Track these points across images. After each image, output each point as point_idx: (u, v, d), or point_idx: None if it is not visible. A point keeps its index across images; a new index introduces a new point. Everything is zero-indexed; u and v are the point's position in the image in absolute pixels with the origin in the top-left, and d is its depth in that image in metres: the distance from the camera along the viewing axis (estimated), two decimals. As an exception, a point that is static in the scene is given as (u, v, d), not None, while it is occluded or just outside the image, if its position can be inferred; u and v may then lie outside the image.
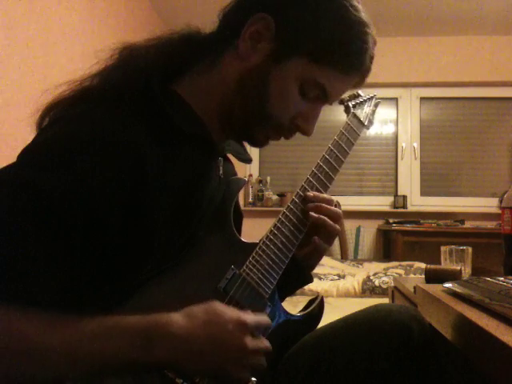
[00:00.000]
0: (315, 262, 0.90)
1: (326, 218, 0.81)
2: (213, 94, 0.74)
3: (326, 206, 0.82)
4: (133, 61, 0.72)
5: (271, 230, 0.79)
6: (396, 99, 4.28)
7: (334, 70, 0.73)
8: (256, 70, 0.72)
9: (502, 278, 0.85)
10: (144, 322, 0.59)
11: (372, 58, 0.76)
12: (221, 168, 0.78)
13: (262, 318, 0.69)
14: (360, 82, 0.79)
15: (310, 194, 0.81)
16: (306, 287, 2.35)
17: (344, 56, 0.73)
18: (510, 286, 0.77)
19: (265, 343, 0.68)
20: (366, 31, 0.73)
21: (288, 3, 0.71)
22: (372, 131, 4.26)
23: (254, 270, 0.75)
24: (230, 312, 0.64)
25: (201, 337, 0.61)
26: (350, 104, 0.92)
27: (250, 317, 0.66)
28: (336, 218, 0.83)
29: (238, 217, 0.83)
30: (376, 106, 0.98)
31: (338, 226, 0.83)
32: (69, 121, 0.64)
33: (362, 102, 0.94)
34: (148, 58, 0.73)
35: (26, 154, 0.62)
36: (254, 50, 0.72)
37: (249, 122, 0.74)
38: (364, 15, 0.73)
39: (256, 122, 0.74)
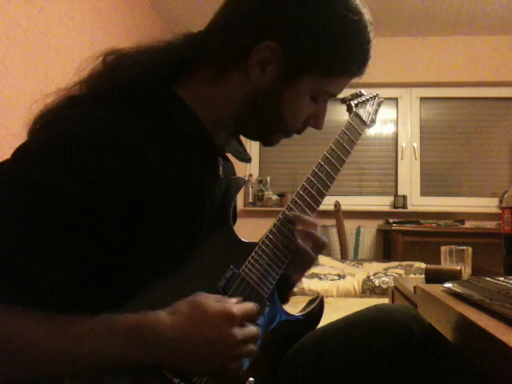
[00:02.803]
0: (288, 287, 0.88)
1: (307, 249, 0.81)
2: (218, 104, 0.74)
3: (313, 233, 0.82)
4: (126, 65, 0.72)
5: (271, 230, 0.79)
6: (396, 99, 4.28)
7: (342, 77, 0.75)
8: (268, 93, 0.73)
9: (502, 278, 0.85)
10: (135, 322, 0.59)
11: (371, 47, 0.76)
12: (220, 168, 0.78)
13: (249, 306, 0.68)
14: (362, 73, 0.79)
15: (291, 214, 0.81)
16: (306, 287, 2.36)
17: (350, 64, 0.75)
18: (509, 285, 0.77)
19: (253, 330, 0.67)
20: (368, 32, 0.74)
21: (292, 28, 0.71)
22: (372, 131, 4.27)
23: (254, 269, 0.75)
24: (215, 305, 0.64)
25: (188, 334, 0.61)
26: (353, 103, 0.92)
27: (235, 306, 0.65)
28: (320, 247, 0.83)
29: (233, 217, 0.83)
30: (379, 104, 0.98)
31: (315, 257, 0.83)
32: (70, 119, 0.64)
33: (364, 101, 0.94)
34: (149, 58, 0.72)
35: (27, 152, 0.62)
36: (264, 73, 0.72)
37: (262, 131, 0.77)
38: (364, 12, 0.73)
39: (271, 132, 0.77)
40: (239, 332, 0.64)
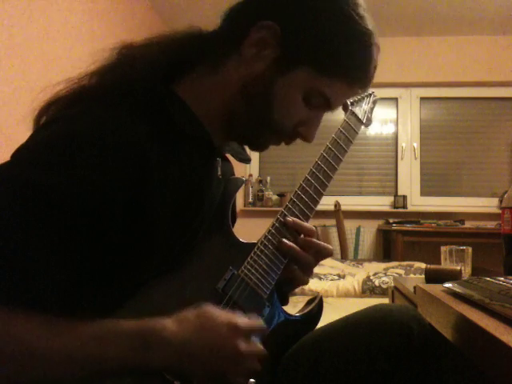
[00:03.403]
0: (290, 289, 0.87)
1: (307, 258, 0.80)
2: (214, 97, 0.74)
3: (317, 242, 0.80)
4: (133, 60, 0.72)
5: (269, 231, 0.78)
6: (396, 99, 4.28)
7: (338, 81, 0.73)
8: (261, 78, 0.71)
9: (502, 278, 0.85)
10: (138, 328, 0.59)
11: (375, 67, 0.76)
12: (219, 168, 0.78)
13: (256, 322, 0.68)
14: (364, 90, 0.79)
15: (290, 220, 0.79)
16: (306, 287, 2.36)
17: (349, 68, 0.73)
18: (509, 285, 0.77)
19: (258, 347, 0.67)
20: (371, 42, 0.73)
21: (294, 13, 0.71)
22: (372, 131, 4.27)
23: (253, 270, 0.75)
24: (222, 315, 0.64)
25: (193, 342, 0.61)
26: (348, 101, 0.91)
27: (242, 320, 0.65)
28: (324, 254, 0.82)
29: (233, 218, 0.83)
30: (374, 103, 0.97)
31: (314, 264, 0.82)
32: (69, 119, 0.64)
33: (359, 99, 0.93)
34: (149, 57, 0.72)
35: (26, 152, 0.62)
36: (259, 57, 0.71)
37: (251, 126, 0.74)
38: (370, 24, 0.73)
39: (258, 128, 0.74)
40: (243, 345, 0.64)
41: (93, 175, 0.59)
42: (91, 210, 0.58)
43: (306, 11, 0.71)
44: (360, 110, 0.92)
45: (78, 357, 0.56)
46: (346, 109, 0.91)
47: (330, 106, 0.76)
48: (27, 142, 0.64)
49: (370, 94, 0.96)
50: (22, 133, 0.69)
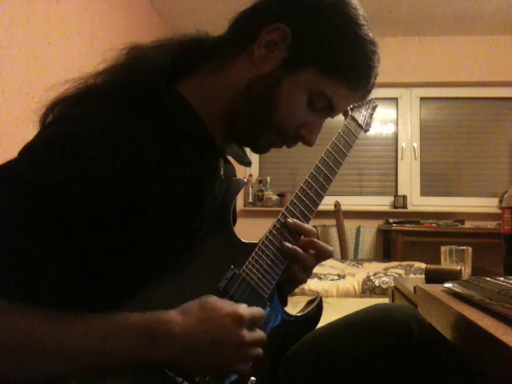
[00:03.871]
0: (290, 289, 0.88)
1: (308, 259, 0.81)
2: (219, 96, 0.74)
3: (318, 242, 0.81)
4: (139, 61, 0.73)
5: (270, 231, 0.79)
6: (396, 99, 4.28)
7: (342, 84, 0.74)
8: (267, 78, 0.72)
9: (502, 278, 0.85)
10: (145, 321, 0.59)
11: (376, 75, 0.78)
12: (222, 169, 0.79)
13: (257, 310, 0.69)
14: (364, 98, 0.81)
15: (291, 221, 0.80)
16: (306, 287, 2.36)
17: (353, 71, 0.74)
18: (509, 285, 0.77)
19: (261, 334, 0.68)
20: (373, 49, 0.75)
21: (304, 16, 0.73)
22: (372, 131, 4.27)
23: (254, 270, 0.75)
24: (225, 306, 0.64)
25: (198, 334, 0.61)
26: (348, 107, 0.92)
27: (244, 309, 0.66)
28: (325, 255, 0.83)
29: (233, 218, 0.83)
30: (374, 109, 0.99)
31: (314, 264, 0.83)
32: (70, 119, 0.65)
33: (359, 105, 0.95)
34: (155, 58, 0.73)
35: (27, 152, 0.62)
36: (268, 58, 0.72)
37: (253, 127, 0.75)
38: (370, 32, 0.75)
39: (260, 128, 0.75)
40: (248, 334, 0.64)
41: (92, 174, 0.59)
42: (90, 208, 0.59)
43: (313, 14, 0.72)
44: (360, 116, 0.93)
45: (84, 351, 0.55)
46: (346, 114, 0.92)
47: (332, 110, 0.77)
48: (31, 141, 0.65)
49: (370, 101, 0.98)
50: (21, 132, 0.69)
